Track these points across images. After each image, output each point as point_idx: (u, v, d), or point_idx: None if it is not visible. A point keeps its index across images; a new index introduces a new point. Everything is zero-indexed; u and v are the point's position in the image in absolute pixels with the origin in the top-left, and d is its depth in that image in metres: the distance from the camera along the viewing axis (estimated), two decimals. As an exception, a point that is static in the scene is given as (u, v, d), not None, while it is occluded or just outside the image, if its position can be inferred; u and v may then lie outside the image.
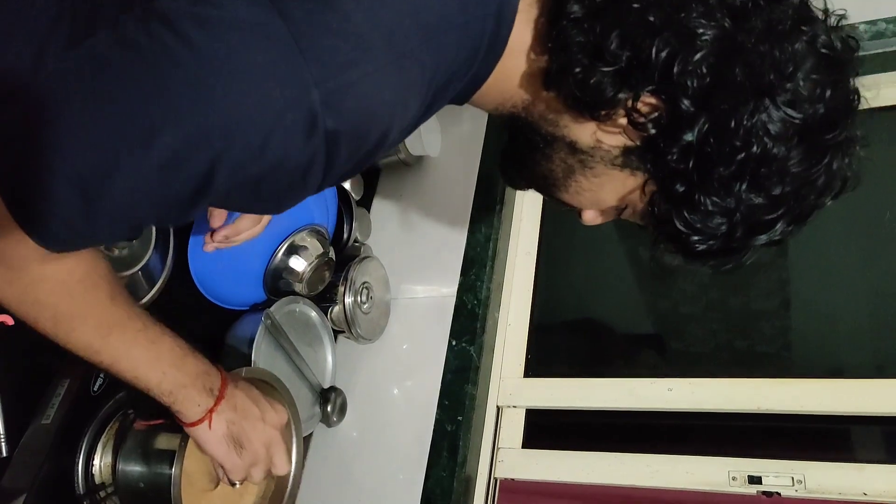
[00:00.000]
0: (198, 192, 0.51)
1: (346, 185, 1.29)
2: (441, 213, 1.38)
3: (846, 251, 1.22)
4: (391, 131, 0.55)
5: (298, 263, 1.10)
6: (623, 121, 0.60)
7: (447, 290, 1.27)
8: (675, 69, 0.55)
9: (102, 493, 0.82)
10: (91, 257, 0.62)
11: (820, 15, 0.60)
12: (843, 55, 0.59)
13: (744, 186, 0.58)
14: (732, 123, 0.55)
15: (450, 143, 1.44)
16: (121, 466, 0.81)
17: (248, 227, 0.94)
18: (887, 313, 1.12)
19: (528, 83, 0.64)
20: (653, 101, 0.58)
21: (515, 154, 0.72)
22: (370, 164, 0.59)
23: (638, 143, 0.61)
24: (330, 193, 1.21)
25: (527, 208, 1.43)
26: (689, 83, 0.55)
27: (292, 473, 0.93)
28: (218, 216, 0.92)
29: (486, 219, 1.31)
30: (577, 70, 0.58)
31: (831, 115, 0.58)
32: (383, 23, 0.52)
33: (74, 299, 0.61)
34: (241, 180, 0.51)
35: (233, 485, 0.80)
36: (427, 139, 1.37)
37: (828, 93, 0.57)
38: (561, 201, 0.72)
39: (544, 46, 0.61)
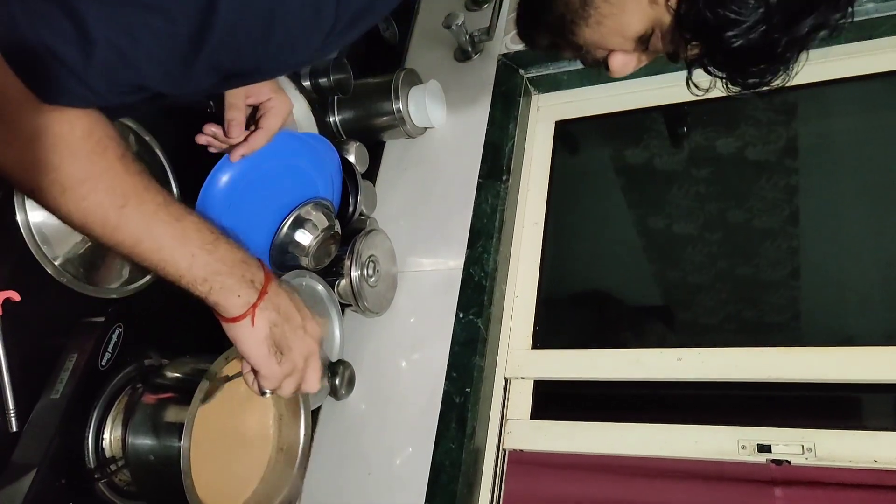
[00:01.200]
0: (203, 25, 0.47)
1: (351, 157, 1.28)
2: (447, 184, 1.37)
3: (856, 218, 1.21)
4: None
5: (304, 237, 1.09)
6: None
7: (454, 262, 1.26)
8: None
9: (113, 467, 0.83)
10: (94, 115, 0.56)
11: None
12: None
13: None
14: None
15: (454, 113, 1.43)
16: (130, 440, 0.82)
17: (262, 142, 0.91)
18: (897, 281, 1.12)
19: None
20: None
21: (532, 2, 0.70)
22: (385, 8, 0.55)
23: None
24: (335, 166, 1.20)
25: (534, 178, 1.42)
26: None
27: (301, 446, 0.94)
28: (237, 127, 0.89)
29: (493, 189, 1.30)
30: None
31: None
32: None
33: (79, 159, 0.55)
34: (249, 6, 0.48)
35: (262, 394, 0.73)
36: (431, 110, 1.35)
37: None
38: (584, 46, 0.68)
39: None
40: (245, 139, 0.91)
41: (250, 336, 0.67)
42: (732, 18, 0.57)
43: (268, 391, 0.72)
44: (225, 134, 0.90)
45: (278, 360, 0.70)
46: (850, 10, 0.59)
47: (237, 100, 0.89)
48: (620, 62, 0.68)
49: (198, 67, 0.51)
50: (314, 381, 0.75)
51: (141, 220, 0.59)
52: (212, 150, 0.93)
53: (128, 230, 0.59)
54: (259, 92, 0.91)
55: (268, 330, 0.68)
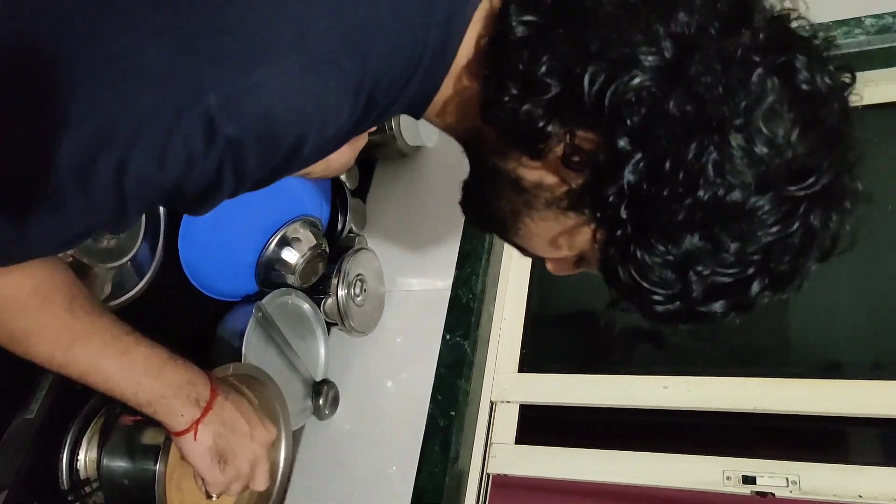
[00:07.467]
0: (117, 203, 0.48)
1: (342, 175, 1.28)
2: (437, 204, 1.36)
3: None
4: (307, 140, 0.51)
5: (291, 255, 1.08)
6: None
7: (442, 283, 1.25)
8: (608, 100, 0.48)
9: (87, 489, 0.82)
10: (43, 269, 0.61)
11: (804, 40, 0.51)
12: (827, 89, 0.50)
13: (695, 238, 0.50)
14: (669, 164, 0.48)
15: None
16: (105, 462, 0.80)
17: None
18: (886, 311, 1.11)
19: (474, 105, 0.57)
20: (591, 136, 0.51)
21: (473, 187, 0.67)
22: (294, 171, 0.55)
23: (579, 182, 0.54)
24: (324, 184, 1.20)
25: (524, 200, 1.41)
26: (623, 116, 0.48)
27: (281, 468, 0.92)
28: None
29: (483, 211, 1.29)
30: (507, 99, 0.52)
31: (803, 161, 0.49)
32: (294, 22, 0.47)
33: (27, 315, 0.60)
34: (151, 191, 0.49)
35: (209, 497, 0.78)
36: (424, 129, 1.35)
37: (795, 133, 0.48)
38: (518, 247, 0.67)
39: (482, 69, 0.55)
40: None
41: (194, 448, 0.73)
42: (643, 283, 0.53)
43: (214, 496, 0.78)
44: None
45: (222, 468, 0.75)
46: (783, 292, 0.55)
47: None
48: (554, 267, 0.67)
49: (127, 222, 0.54)
50: (262, 482, 0.80)
51: (87, 359, 0.65)
52: None
53: (75, 367, 0.64)
54: None
55: (211, 442, 0.73)
